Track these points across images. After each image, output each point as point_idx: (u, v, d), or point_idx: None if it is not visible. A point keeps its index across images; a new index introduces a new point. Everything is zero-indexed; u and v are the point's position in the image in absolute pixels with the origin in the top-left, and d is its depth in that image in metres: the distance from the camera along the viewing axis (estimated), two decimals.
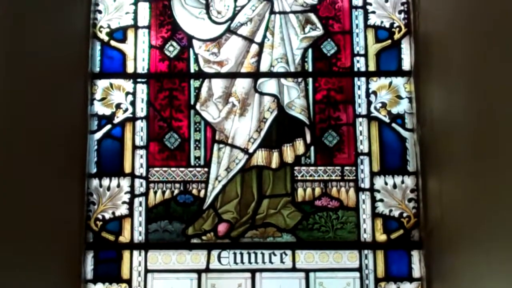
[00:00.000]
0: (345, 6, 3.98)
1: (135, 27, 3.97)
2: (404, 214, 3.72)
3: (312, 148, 3.84)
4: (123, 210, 3.73)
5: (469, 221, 3.29)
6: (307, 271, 3.65)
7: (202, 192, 3.78)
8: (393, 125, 3.84)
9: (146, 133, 3.84)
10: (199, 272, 3.65)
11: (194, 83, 3.92)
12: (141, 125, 3.83)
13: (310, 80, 3.93)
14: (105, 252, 3.68)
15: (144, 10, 3.99)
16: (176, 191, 3.77)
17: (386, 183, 3.74)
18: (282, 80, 3.92)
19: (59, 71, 3.72)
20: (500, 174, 2.97)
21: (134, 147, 3.81)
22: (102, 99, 3.89)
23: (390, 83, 3.88)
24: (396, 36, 3.94)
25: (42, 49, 3.67)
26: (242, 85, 3.90)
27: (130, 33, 3.95)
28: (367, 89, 3.90)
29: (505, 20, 3.09)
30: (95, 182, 3.74)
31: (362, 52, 3.94)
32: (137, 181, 3.75)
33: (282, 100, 3.89)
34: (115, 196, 3.73)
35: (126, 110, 3.85)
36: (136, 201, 3.74)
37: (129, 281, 3.63)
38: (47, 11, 3.74)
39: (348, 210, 3.75)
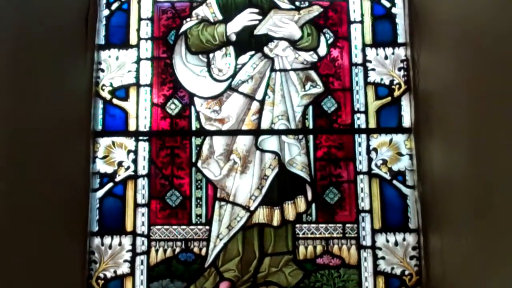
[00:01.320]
0: (345, 64, 4.28)
1: (137, 85, 4.25)
2: (406, 272, 3.96)
3: (313, 205, 4.10)
4: (124, 268, 3.98)
5: (470, 279, 3.50)
6: None
7: (204, 250, 4.03)
8: (394, 182, 4.10)
9: (148, 191, 4.10)
10: None
11: (196, 141, 4.19)
12: (142, 183, 4.09)
13: (311, 137, 4.21)
14: None
15: (146, 68, 4.28)
16: (177, 249, 4.03)
17: (387, 241, 3.99)
18: (283, 137, 4.20)
19: (62, 130, 3.98)
20: (501, 231, 3.19)
21: (136, 205, 4.06)
22: (104, 157, 4.16)
23: (391, 140, 4.16)
24: (396, 93, 4.22)
25: (44, 107, 3.93)
26: (243, 143, 4.17)
27: (132, 91, 4.24)
28: (368, 146, 4.17)
29: (505, 77, 3.33)
30: (96, 240, 3.99)
31: (363, 109, 4.21)
32: (139, 239, 4.01)
33: (283, 157, 4.16)
34: (116, 255, 3.98)
35: (128, 168, 4.11)
36: (138, 259, 3.99)
37: None
38: (50, 70, 4.00)
39: (350, 268, 3.99)
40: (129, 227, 4.02)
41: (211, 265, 3.99)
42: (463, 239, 3.55)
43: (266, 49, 4.28)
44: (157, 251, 4.01)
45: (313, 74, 4.31)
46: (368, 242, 3.99)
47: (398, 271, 3.94)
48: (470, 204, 3.57)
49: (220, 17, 4.36)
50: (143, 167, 4.12)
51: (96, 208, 4.05)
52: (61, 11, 4.13)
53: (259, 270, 3.98)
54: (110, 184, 4.11)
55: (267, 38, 4.33)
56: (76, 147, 4.09)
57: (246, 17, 4.31)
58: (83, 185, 4.03)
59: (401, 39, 4.34)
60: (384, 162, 4.12)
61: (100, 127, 4.22)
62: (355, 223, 4.05)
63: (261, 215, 4.07)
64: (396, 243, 3.97)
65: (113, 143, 4.18)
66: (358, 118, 4.22)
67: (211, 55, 4.31)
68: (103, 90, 4.23)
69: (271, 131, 4.22)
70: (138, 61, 4.31)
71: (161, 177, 4.12)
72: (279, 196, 4.12)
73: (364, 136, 4.19)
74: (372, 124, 4.21)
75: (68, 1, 4.20)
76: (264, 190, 4.10)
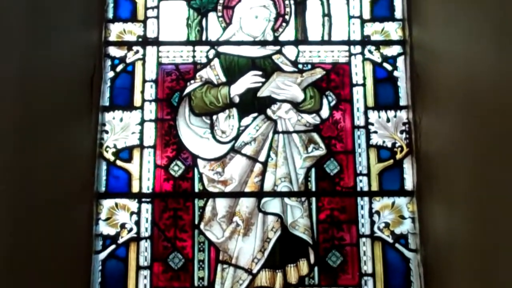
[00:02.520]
0: (347, 126, 4.55)
1: (141, 147, 4.52)
2: None
3: (316, 268, 4.31)
4: None
5: None
6: None
7: None
8: (397, 245, 4.34)
9: (150, 253, 4.33)
10: None
11: (199, 203, 4.42)
12: (145, 245, 4.33)
13: (313, 199, 4.45)
14: None
15: (150, 130, 4.56)
16: None
17: None
18: (286, 199, 4.44)
19: (65, 191, 4.21)
20: None
21: (138, 268, 4.29)
22: (107, 218, 4.40)
23: (393, 203, 4.41)
24: (398, 156, 4.49)
25: (48, 168, 4.15)
26: (246, 205, 4.42)
27: (136, 153, 4.50)
28: (370, 209, 4.42)
29: (506, 140, 3.62)
30: None
31: (365, 171, 4.47)
32: None
33: (285, 219, 4.41)
34: None
35: (131, 230, 4.35)
36: None
37: None
38: (54, 131, 4.24)
39: None
40: None
41: None
42: None
43: (269, 111, 4.55)
44: None
45: (315, 136, 4.57)
46: None
47: None
48: (473, 267, 3.79)
49: (223, 79, 4.63)
50: (145, 229, 4.35)
51: (98, 270, 4.27)
52: (66, 73, 4.39)
53: None
54: (113, 246, 4.34)
55: (270, 100, 4.60)
56: (79, 208, 4.31)
57: (249, 80, 4.58)
58: (86, 247, 4.24)
59: (403, 102, 4.61)
60: (387, 225, 4.36)
61: (103, 189, 4.45)
62: (357, 287, 4.28)
63: (263, 278, 4.29)
64: None
65: (116, 204, 4.42)
66: (361, 181, 4.46)
67: (214, 117, 4.57)
68: (107, 151, 4.49)
69: (273, 193, 4.46)
70: (142, 122, 4.57)
71: (164, 239, 4.35)
72: (282, 259, 4.35)
73: (366, 199, 4.43)
74: (375, 187, 4.45)
75: (73, 63, 4.47)
76: (266, 253, 4.34)
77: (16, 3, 4.03)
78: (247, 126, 4.59)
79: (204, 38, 4.75)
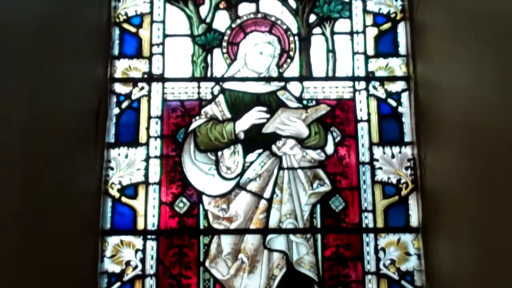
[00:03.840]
0: (352, 162, 4.77)
1: (146, 183, 4.73)
2: None
3: None
4: None
5: None
6: None
7: None
8: (403, 282, 4.56)
9: None
10: None
11: (204, 240, 4.63)
12: (150, 282, 4.54)
13: (319, 236, 4.66)
14: None
15: (155, 166, 4.77)
16: None
17: None
18: (291, 236, 4.66)
19: (70, 228, 4.39)
20: None
21: None
22: (112, 256, 4.61)
23: (399, 239, 4.63)
24: (403, 192, 4.71)
25: (54, 205, 4.33)
26: (251, 241, 4.63)
27: (141, 190, 4.71)
28: (376, 245, 4.63)
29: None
30: None
31: (370, 208, 4.69)
32: None
33: (291, 256, 4.62)
34: None
35: (136, 267, 4.56)
36: None
37: None
38: (59, 167, 4.43)
39: None
40: None
41: None
42: None
43: (274, 147, 4.77)
44: None
45: (320, 172, 4.79)
46: None
47: None
48: None
49: (228, 115, 4.86)
50: (151, 266, 4.56)
51: None
52: (71, 109, 4.61)
53: None
54: (118, 284, 4.54)
55: (275, 137, 4.82)
56: (84, 246, 4.50)
57: (254, 116, 4.82)
58: (91, 285, 4.44)
59: (407, 138, 4.84)
60: (392, 262, 4.57)
61: (108, 226, 4.66)
62: None
63: None
64: None
65: (121, 242, 4.63)
66: (366, 217, 4.68)
67: (219, 153, 4.79)
68: (112, 188, 4.70)
69: (279, 230, 4.66)
70: (147, 159, 4.79)
71: (169, 276, 4.56)
72: None
73: (372, 235, 4.65)
74: (380, 224, 4.67)
75: (78, 99, 4.68)
76: None
77: (22, 38, 4.22)
78: (252, 163, 4.80)
79: (209, 74, 4.97)
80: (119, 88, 4.93)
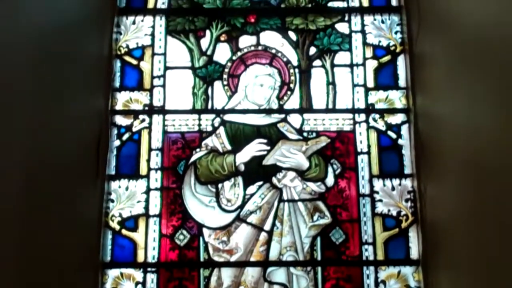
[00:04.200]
0: (352, 195, 4.84)
1: (146, 216, 4.80)
2: None
3: None
4: None
5: None
6: None
7: None
8: None
9: None
10: None
11: (204, 272, 4.69)
12: None
13: (319, 269, 4.72)
14: None
15: (155, 199, 4.84)
16: None
17: None
18: (291, 269, 4.72)
19: (70, 260, 4.44)
20: None
21: None
22: None
23: (399, 272, 4.70)
24: (404, 224, 4.77)
25: (53, 237, 4.37)
26: (251, 274, 4.70)
27: (141, 222, 4.78)
28: (376, 278, 4.69)
29: None
30: None
31: (370, 240, 4.75)
32: None
33: None
34: None
35: None
36: None
37: None
38: (60, 199, 4.48)
39: None
40: None
41: None
42: None
43: (274, 180, 4.84)
44: None
45: (321, 204, 4.86)
46: None
47: None
48: None
49: (229, 147, 4.94)
50: None
51: None
52: (72, 141, 4.67)
53: None
54: None
55: (275, 169, 4.89)
56: (85, 278, 4.56)
57: (254, 148, 4.89)
58: None
59: (407, 170, 4.90)
60: None
61: (108, 258, 4.71)
62: None
63: None
64: None
65: (122, 274, 4.69)
66: (366, 250, 4.74)
67: (219, 185, 4.86)
68: (112, 220, 4.77)
69: (279, 263, 4.72)
70: (148, 191, 4.86)
71: None
72: None
73: (372, 268, 4.71)
74: (380, 256, 4.72)
75: (79, 131, 4.76)
76: None
77: (22, 69, 4.26)
78: (252, 195, 4.87)
79: (209, 106, 5.06)
80: (120, 120, 5.01)
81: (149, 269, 4.66)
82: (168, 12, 5.22)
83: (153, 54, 5.14)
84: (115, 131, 4.99)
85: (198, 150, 4.96)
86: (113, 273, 4.67)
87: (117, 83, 5.09)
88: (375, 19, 5.20)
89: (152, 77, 5.10)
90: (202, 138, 4.99)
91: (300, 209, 4.81)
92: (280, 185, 4.82)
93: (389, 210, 4.80)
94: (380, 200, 4.82)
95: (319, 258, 4.74)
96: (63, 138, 4.58)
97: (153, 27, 5.20)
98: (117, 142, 4.97)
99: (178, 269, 4.69)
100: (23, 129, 4.22)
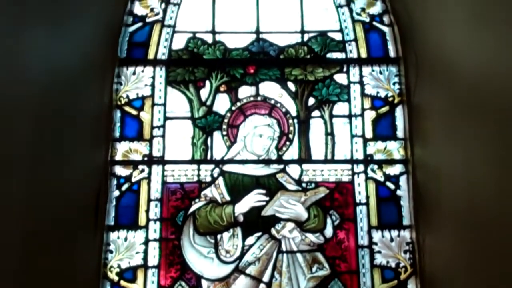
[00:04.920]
0: (351, 246, 4.94)
1: (145, 267, 4.90)
2: None
3: None
4: None
5: None
6: None
7: None
8: None
9: None
10: None
11: None
12: None
13: None
14: None
15: (154, 250, 4.95)
16: None
17: None
18: None
19: None
20: None
21: None
22: None
23: None
24: (402, 276, 4.90)
25: None
26: None
27: (140, 273, 4.89)
28: None
29: (510, 258, 3.97)
30: None
31: None
32: None
33: None
34: None
35: None
36: None
37: None
38: (57, 250, 4.60)
39: None
40: None
41: None
42: None
43: (273, 231, 4.94)
44: None
45: (319, 256, 4.96)
46: None
47: None
48: None
49: (228, 198, 5.04)
50: None
51: None
52: (71, 191, 4.80)
53: None
54: None
55: (274, 220, 4.98)
56: None
57: (253, 198, 5.00)
58: None
59: (406, 221, 5.01)
60: None
61: None
62: None
63: None
64: None
65: None
66: None
67: (218, 236, 4.97)
68: (111, 271, 4.87)
69: None
70: (147, 242, 4.97)
71: None
72: None
73: None
74: None
75: (78, 181, 4.88)
76: None
77: (23, 119, 4.44)
78: (251, 246, 4.97)
79: (209, 156, 5.18)
80: (120, 170, 5.12)
81: None
82: (168, 62, 5.37)
83: (153, 104, 5.28)
84: (114, 182, 5.10)
85: (197, 200, 5.06)
86: None
87: (117, 133, 5.21)
88: (373, 70, 5.33)
89: (152, 127, 5.23)
90: (201, 189, 5.10)
91: (299, 261, 4.91)
92: (279, 236, 4.92)
93: (387, 262, 4.91)
94: (379, 252, 4.93)
95: None
96: (63, 189, 4.70)
97: (153, 77, 5.33)
98: (116, 193, 5.08)
99: None
100: (23, 179, 4.38)
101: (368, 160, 5.13)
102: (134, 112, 5.26)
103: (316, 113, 5.29)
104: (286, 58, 5.41)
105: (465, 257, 4.40)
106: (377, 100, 5.31)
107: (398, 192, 5.05)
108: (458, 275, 4.47)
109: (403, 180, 5.08)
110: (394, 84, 5.31)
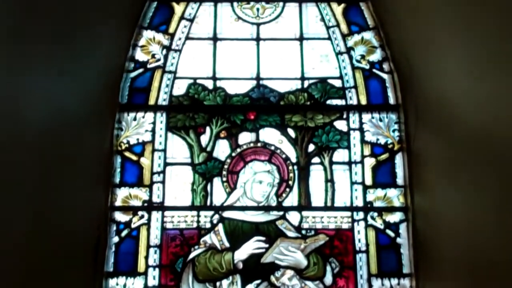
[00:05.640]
0: None
1: None
2: None
3: None
4: None
5: None
6: None
7: None
8: None
9: None
10: None
11: None
12: None
13: None
14: None
15: None
16: None
17: None
18: None
19: None
20: None
21: None
22: None
23: None
24: None
25: None
26: None
27: None
28: None
29: None
30: None
31: None
32: None
33: None
34: None
35: None
36: None
37: None
38: None
39: None
40: None
41: None
42: None
43: (272, 278, 5.03)
44: None
45: None
46: None
47: None
48: None
49: (227, 244, 5.12)
50: None
51: None
52: (70, 237, 4.87)
53: None
54: None
55: (274, 267, 5.05)
56: None
57: (253, 245, 5.08)
58: None
59: (406, 269, 5.09)
60: None
61: None
62: None
63: None
64: None
65: None
66: None
67: (218, 284, 5.03)
68: None
69: None
70: None
71: None
72: None
73: None
74: None
75: (78, 227, 4.96)
76: None
77: (24, 166, 4.56)
78: None
79: (208, 202, 5.25)
80: (119, 216, 5.21)
81: None
82: (169, 108, 5.48)
83: (153, 150, 5.38)
84: (114, 228, 5.18)
85: (196, 247, 5.14)
86: None
87: (117, 179, 5.30)
88: (373, 117, 5.43)
89: (152, 173, 5.31)
90: (200, 235, 5.18)
91: None
92: (278, 284, 4.99)
93: None
94: None
95: None
96: (62, 234, 4.79)
97: (153, 123, 5.44)
98: (115, 239, 5.15)
99: None
100: (23, 223, 4.51)
101: (368, 207, 5.20)
102: (134, 157, 5.36)
103: (316, 159, 5.38)
104: (286, 104, 5.53)
105: None
106: (377, 147, 5.40)
107: (398, 240, 5.12)
108: None
109: (403, 228, 5.16)
110: (393, 131, 5.41)
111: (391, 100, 5.49)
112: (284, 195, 5.27)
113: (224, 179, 5.30)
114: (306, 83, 5.57)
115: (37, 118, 4.61)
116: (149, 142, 5.39)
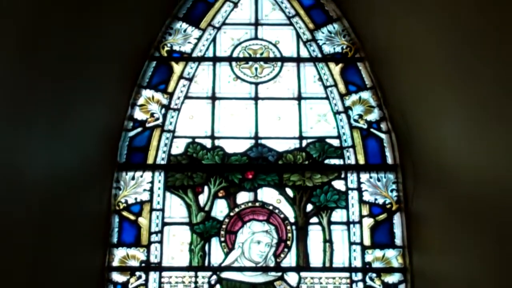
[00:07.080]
0: None
1: None
2: None
3: None
4: None
5: None
6: None
7: None
8: None
9: None
10: None
11: None
12: None
13: None
14: None
15: None
16: None
17: None
18: None
19: None
20: None
21: None
22: None
23: None
24: None
25: None
26: None
27: None
28: None
29: None
30: None
31: None
32: None
33: None
34: None
35: None
36: None
37: None
38: None
39: None
40: None
41: None
42: None
43: None
44: None
45: None
46: None
47: None
48: None
49: None
50: None
51: None
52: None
53: None
54: None
55: None
56: None
57: None
58: None
59: None
60: None
61: None
62: None
63: None
64: None
65: None
66: None
67: None
68: None
69: None
70: None
71: None
72: None
73: None
74: None
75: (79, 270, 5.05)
76: None
77: (23, 224, 4.71)
78: None
79: (206, 263, 5.38)
80: (116, 277, 5.35)
81: None
82: (167, 167, 5.62)
83: (151, 209, 5.52)
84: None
85: None
86: None
87: (114, 239, 5.43)
88: (371, 177, 5.58)
89: (150, 233, 5.44)
90: None
91: None
92: None
93: None
94: None
95: None
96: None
97: (152, 182, 5.59)
98: None
99: None
100: (22, 282, 4.63)
101: (366, 268, 5.32)
102: (132, 217, 5.50)
103: (314, 219, 5.52)
104: (284, 164, 5.68)
105: None
106: (375, 207, 5.55)
107: None
108: None
109: None
110: (392, 191, 5.56)
111: (389, 160, 5.64)
112: (282, 255, 5.40)
113: (222, 239, 5.44)
114: (304, 143, 5.73)
115: (36, 178, 4.78)
116: (147, 201, 5.53)
